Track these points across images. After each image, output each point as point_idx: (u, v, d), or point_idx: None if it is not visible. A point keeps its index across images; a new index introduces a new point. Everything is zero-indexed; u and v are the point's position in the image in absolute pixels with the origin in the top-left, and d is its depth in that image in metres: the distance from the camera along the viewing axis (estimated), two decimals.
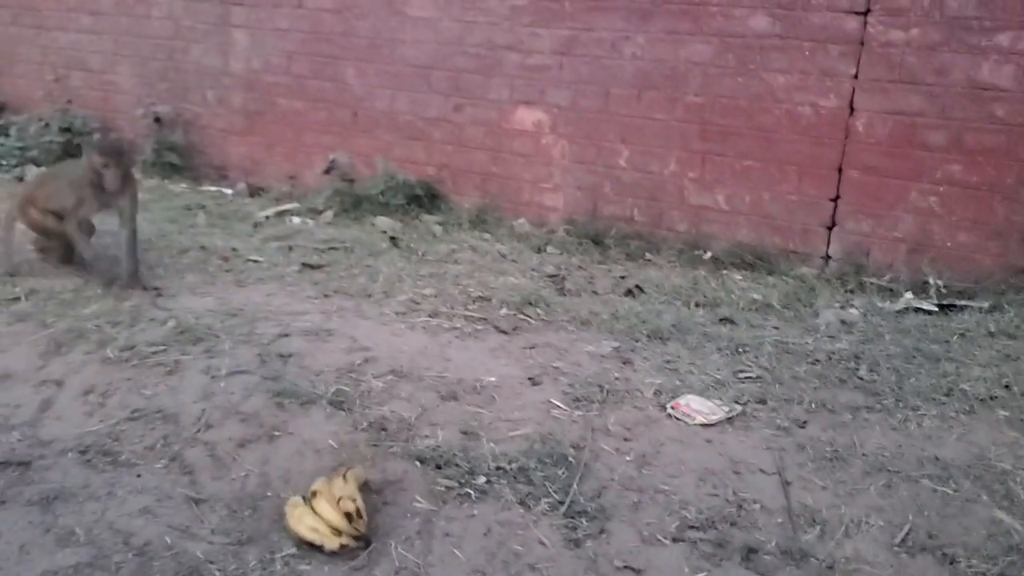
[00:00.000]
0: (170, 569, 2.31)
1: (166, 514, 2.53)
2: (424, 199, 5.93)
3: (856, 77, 4.63)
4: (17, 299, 3.93)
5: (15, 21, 7.81)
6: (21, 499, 2.55)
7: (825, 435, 2.99)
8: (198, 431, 2.92)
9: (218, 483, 2.69)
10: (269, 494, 2.65)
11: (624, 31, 5.20)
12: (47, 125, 7.20)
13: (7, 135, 7.30)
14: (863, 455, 2.87)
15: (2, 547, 2.35)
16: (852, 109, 4.66)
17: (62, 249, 4.39)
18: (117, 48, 7.24)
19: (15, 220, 4.43)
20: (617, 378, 3.36)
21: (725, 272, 4.80)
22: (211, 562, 2.35)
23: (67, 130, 7.14)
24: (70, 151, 7.04)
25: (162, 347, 3.42)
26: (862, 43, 4.59)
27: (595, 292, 4.46)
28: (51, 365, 3.32)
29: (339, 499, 2.48)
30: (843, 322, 4.01)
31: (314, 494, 2.53)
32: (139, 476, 2.71)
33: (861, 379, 3.41)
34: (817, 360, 3.58)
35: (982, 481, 2.71)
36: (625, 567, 2.37)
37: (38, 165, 6.86)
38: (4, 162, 6.95)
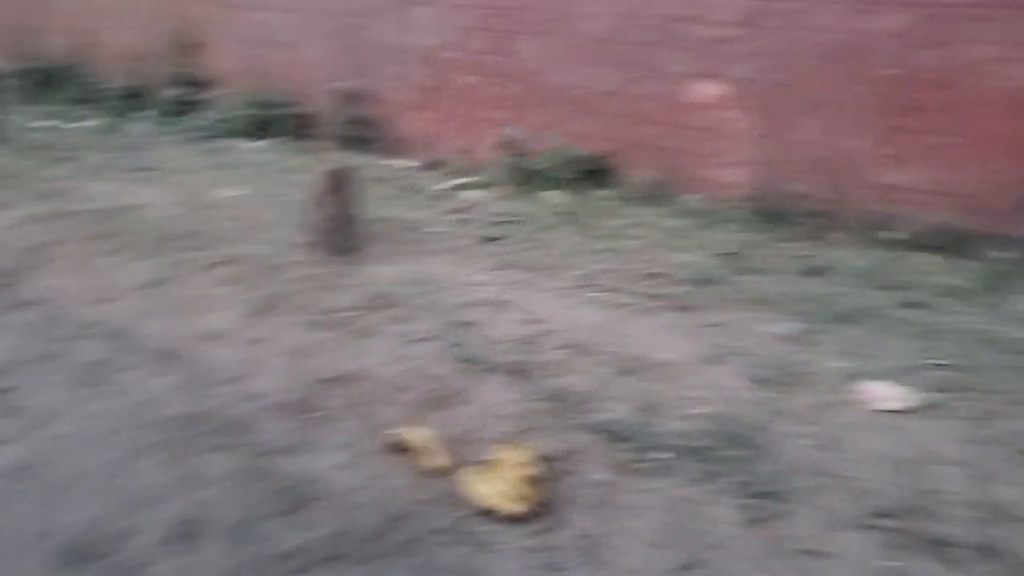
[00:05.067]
0: (371, 519, 2.47)
1: (364, 468, 2.70)
2: (596, 174, 5.93)
3: None
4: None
5: (218, 0, 8.35)
6: (229, 449, 2.80)
7: None
8: (390, 392, 3.09)
9: None
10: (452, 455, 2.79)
11: (813, 0, 5.00)
12: (242, 99, 7.68)
13: (210, 109, 7.86)
14: None
15: (212, 494, 2.58)
16: None
17: None
18: (306, 25, 7.60)
19: None
20: (800, 360, 3.28)
21: (914, 254, 4.57)
22: (411, 514, 2.51)
23: (259, 104, 7.58)
24: (262, 125, 7.50)
25: (356, 312, 3.63)
26: None
27: (775, 271, 4.35)
28: (256, 326, 3.59)
29: (516, 465, 2.57)
30: None
31: (490, 461, 2.64)
32: (337, 432, 2.91)
33: None
34: (1019, 350, 3.38)
35: None
36: (808, 551, 2.34)
37: (234, 137, 7.35)
38: (206, 134, 7.49)
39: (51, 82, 9.13)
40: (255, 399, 3.08)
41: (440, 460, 2.72)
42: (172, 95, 8.20)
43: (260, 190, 5.75)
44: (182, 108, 8.09)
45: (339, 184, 4.35)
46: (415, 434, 2.81)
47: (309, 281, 3.95)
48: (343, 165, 4.32)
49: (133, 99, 8.50)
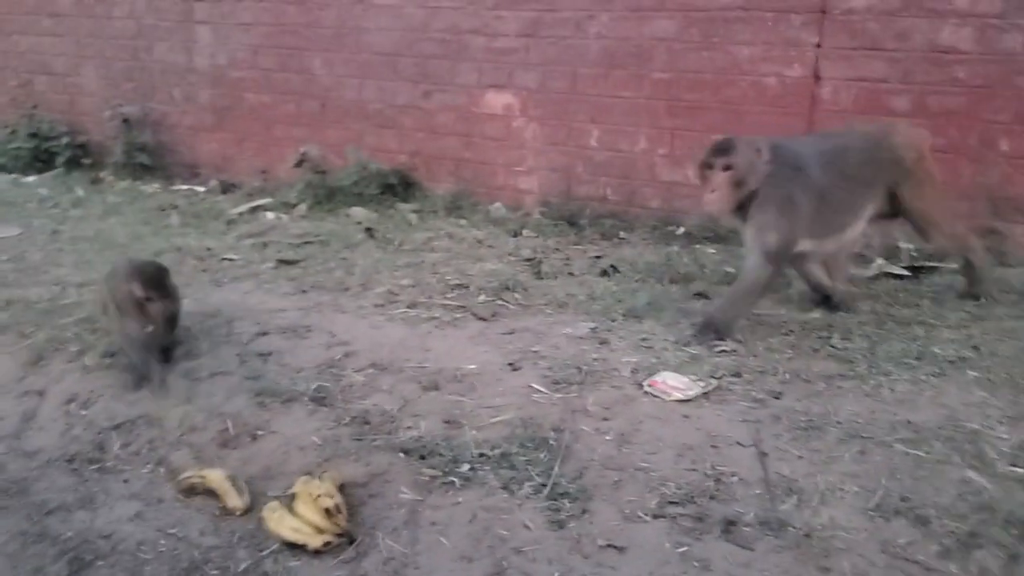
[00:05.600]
0: (165, 571, 2.34)
1: (155, 517, 2.57)
2: (398, 188, 5.93)
3: (819, 46, 4.67)
4: None
5: None
6: (3, 514, 2.58)
7: (800, 405, 3.04)
8: (182, 434, 2.95)
9: None
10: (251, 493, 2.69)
11: (588, 10, 5.21)
12: (14, 132, 7.15)
13: None
14: (837, 423, 2.91)
15: None
16: (817, 78, 4.70)
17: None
18: (80, 50, 7.18)
19: None
20: (595, 359, 3.40)
21: (698, 246, 4.84)
22: (207, 562, 2.39)
23: (34, 135, 7.09)
24: (39, 157, 7.01)
25: None
26: (824, 12, 4.63)
27: (571, 274, 4.50)
28: (32, 376, 3.33)
29: (317, 497, 2.52)
30: (815, 290, 4.06)
31: (293, 496, 2.58)
32: (126, 482, 2.74)
33: (834, 347, 3.46)
34: (791, 330, 3.64)
35: (953, 442, 2.76)
36: (608, 546, 2.41)
37: (8, 172, 6.82)
38: None
39: None
40: (32, 456, 2.86)
41: (238, 500, 2.62)
42: None
43: (39, 227, 5.37)
44: None
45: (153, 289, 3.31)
46: (211, 476, 2.69)
47: (90, 322, 3.72)
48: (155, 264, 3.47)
49: None
